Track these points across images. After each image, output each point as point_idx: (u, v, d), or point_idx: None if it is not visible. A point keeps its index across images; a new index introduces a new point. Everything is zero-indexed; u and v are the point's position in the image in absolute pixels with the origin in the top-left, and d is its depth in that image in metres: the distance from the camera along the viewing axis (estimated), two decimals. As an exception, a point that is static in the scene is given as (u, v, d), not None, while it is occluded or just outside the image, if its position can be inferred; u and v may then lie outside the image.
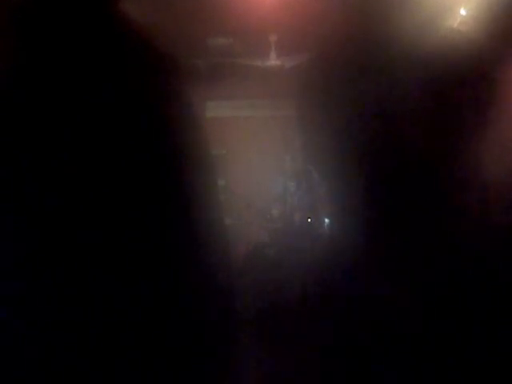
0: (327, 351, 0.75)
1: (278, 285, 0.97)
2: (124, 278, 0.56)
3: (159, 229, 0.59)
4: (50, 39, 0.58)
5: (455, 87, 0.71)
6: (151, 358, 0.57)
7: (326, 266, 0.78)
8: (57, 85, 0.56)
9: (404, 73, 0.69)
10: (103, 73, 0.59)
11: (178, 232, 0.62)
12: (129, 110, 0.60)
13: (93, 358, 0.55)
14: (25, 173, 0.54)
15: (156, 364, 0.57)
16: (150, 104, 0.62)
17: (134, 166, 0.58)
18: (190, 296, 0.61)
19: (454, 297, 0.67)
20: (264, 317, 0.91)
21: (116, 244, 0.57)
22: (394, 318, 0.67)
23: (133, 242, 0.57)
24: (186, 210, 0.62)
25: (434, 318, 0.66)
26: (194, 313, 0.61)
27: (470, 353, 0.66)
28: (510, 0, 0.82)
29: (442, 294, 0.67)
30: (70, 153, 0.55)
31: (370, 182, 0.73)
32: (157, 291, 0.58)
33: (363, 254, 0.73)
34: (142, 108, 0.61)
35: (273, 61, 2.52)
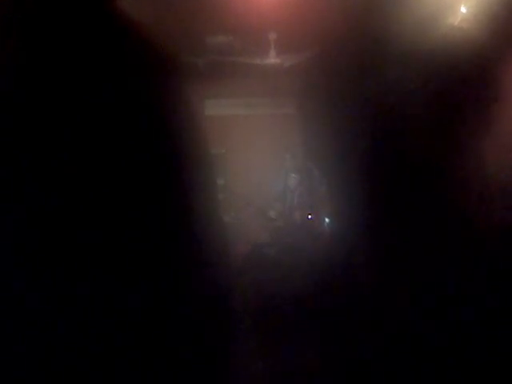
0: (327, 350, 0.75)
1: (277, 284, 0.97)
2: (124, 277, 0.56)
3: (159, 228, 0.59)
4: (49, 38, 0.58)
5: (456, 85, 0.70)
6: (151, 358, 0.57)
7: (326, 265, 0.78)
8: (56, 83, 0.56)
9: (405, 71, 0.69)
10: (102, 71, 0.59)
11: (177, 231, 0.61)
12: (128, 109, 0.59)
13: (93, 358, 0.55)
14: (25, 173, 0.53)
15: (155, 363, 0.57)
16: (148, 102, 0.61)
17: (132, 165, 0.58)
18: (189, 295, 0.61)
19: (455, 297, 0.67)
20: (264, 315, 0.91)
21: (115, 243, 0.56)
22: (394, 317, 0.67)
23: (132, 242, 0.57)
24: (186, 209, 0.62)
25: (433, 317, 0.66)
26: (194, 312, 0.61)
27: (470, 353, 0.66)
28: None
29: (442, 294, 0.67)
30: (70, 152, 0.54)
31: (371, 180, 0.72)
32: (156, 290, 0.58)
33: (363, 252, 0.73)
34: (140, 106, 0.61)
35: (272, 59, 2.52)
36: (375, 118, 0.71)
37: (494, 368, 0.65)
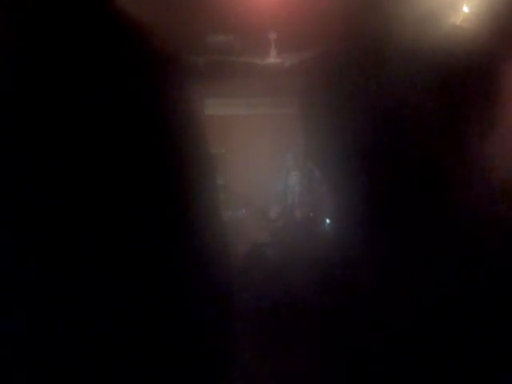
0: (328, 350, 0.75)
1: (277, 284, 0.97)
2: (123, 277, 0.56)
3: (158, 228, 0.59)
4: (49, 38, 0.57)
5: (459, 85, 0.70)
6: (150, 358, 0.57)
7: (327, 266, 0.78)
8: (56, 83, 0.56)
9: (406, 70, 0.69)
10: (102, 71, 0.59)
11: (176, 232, 0.61)
12: (127, 108, 0.59)
13: (92, 358, 0.55)
14: (24, 172, 0.53)
15: (155, 364, 0.57)
16: (148, 102, 0.61)
17: (131, 165, 0.58)
18: (189, 296, 0.60)
19: (456, 297, 0.67)
20: (263, 315, 0.91)
21: (115, 244, 0.56)
22: (395, 318, 0.67)
23: (131, 242, 0.57)
24: (185, 210, 0.62)
25: (434, 317, 0.66)
26: (194, 312, 0.60)
27: (470, 353, 0.66)
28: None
29: (442, 294, 0.67)
30: (70, 151, 0.54)
31: (372, 181, 0.72)
32: (156, 291, 0.58)
33: (364, 253, 0.73)
34: (140, 106, 0.60)
35: (273, 59, 2.52)
36: (376, 117, 0.71)
37: (494, 368, 0.65)
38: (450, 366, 0.66)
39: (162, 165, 0.61)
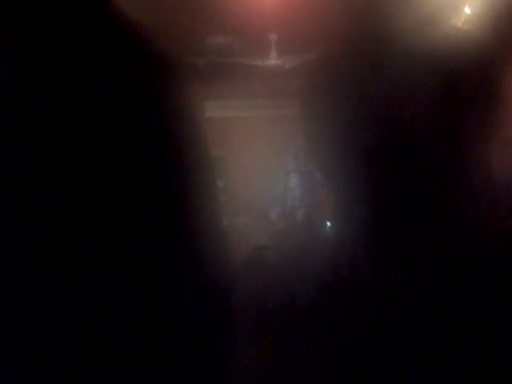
0: (328, 352, 0.74)
1: (278, 287, 0.97)
2: (123, 278, 0.56)
3: (158, 230, 0.59)
4: (49, 38, 0.57)
5: (460, 86, 0.70)
6: (151, 359, 0.57)
7: (327, 268, 0.77)
8: (56, 83, 0.55)
9: (408, 72, 0.69)
10: (101, 71, 0.58)
11: (177, 233, 0.61)
12: (127, 110, 0.59)
13: (92, 358, 0.54)
14: (24, 172, 0.53)
15: (155, 365, 0.57)
16: (148, 103, 0.61)
17: (131, 167, 0.58)
18: (189, 298, 0.60)
19: (458, 297, 0.66)
20: (263, 317, 0.91)
21: (115, 244, 0.56)
22: (396, 318, 0.67)
23: (131, 243, 0.57)
24: (185, 212, 0.62)
25: (436, 318, 0.66)
26: (194, 315, 0.60)
27: (471, 353, 0.65)
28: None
29: (443, 295, 0.66)
30: (70, 152, 0.54)
31: (373, 183, 0.72)
32: (156, 293, 0.58)
33: (365, 255, 0.73)
34: (140, 107, 0.60)
35: (273, 60, 2.52)
36: (377, 119, 0.71)
37: (494, 368, 0.65)
38: (451, 367, 0.66)
39: (162, 167, 0.60)
